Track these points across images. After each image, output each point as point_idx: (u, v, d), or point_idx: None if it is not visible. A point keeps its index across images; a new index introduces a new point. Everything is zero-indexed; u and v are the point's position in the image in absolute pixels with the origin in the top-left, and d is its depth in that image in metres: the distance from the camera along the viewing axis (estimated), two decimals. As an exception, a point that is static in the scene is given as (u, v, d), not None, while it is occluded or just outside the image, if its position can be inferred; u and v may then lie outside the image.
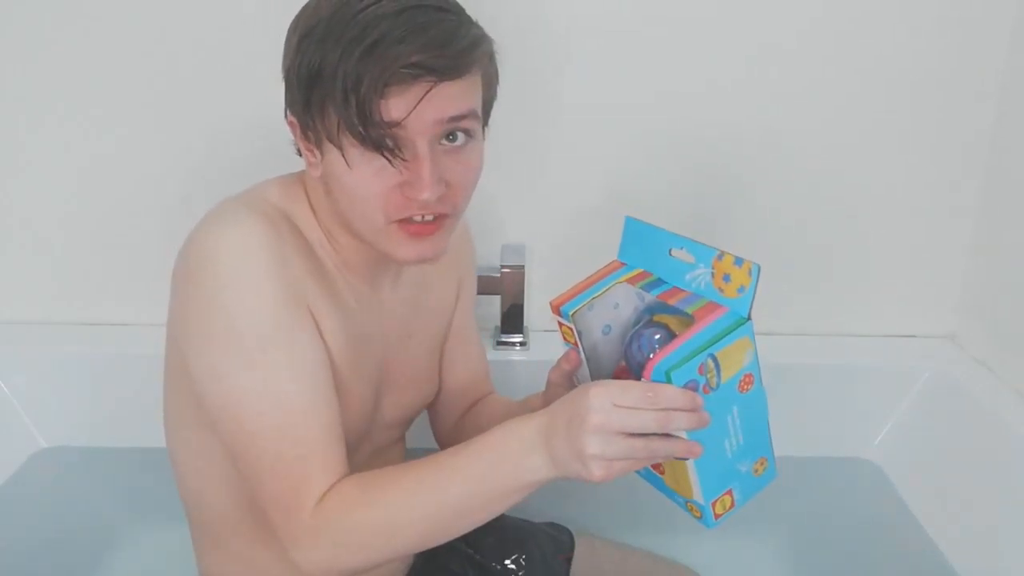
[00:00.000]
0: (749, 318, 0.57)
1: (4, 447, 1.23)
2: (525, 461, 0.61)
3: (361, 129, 0.61)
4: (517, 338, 1.25)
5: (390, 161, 0.63)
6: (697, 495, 0.60)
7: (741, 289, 0.57)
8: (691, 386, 0.56)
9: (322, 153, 0.67)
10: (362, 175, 0.65)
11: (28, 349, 1.27)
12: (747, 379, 0.59)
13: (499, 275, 1.19)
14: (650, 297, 0.65)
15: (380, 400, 0.82)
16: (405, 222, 0.67)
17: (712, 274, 0.60)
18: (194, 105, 1.17)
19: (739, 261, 0.58)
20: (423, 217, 0.67)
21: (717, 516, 0.62)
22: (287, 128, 0.71)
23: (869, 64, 1.17)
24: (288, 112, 0.70)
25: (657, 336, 0.63)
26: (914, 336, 1.32)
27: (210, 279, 0.65)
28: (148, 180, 1.22)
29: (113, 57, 1.16)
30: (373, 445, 0.84)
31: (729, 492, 0.61)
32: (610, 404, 0.56)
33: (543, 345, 1.25)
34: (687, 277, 0.63)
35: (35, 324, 1.30)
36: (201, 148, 1.19)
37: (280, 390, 0.65)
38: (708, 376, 0.56)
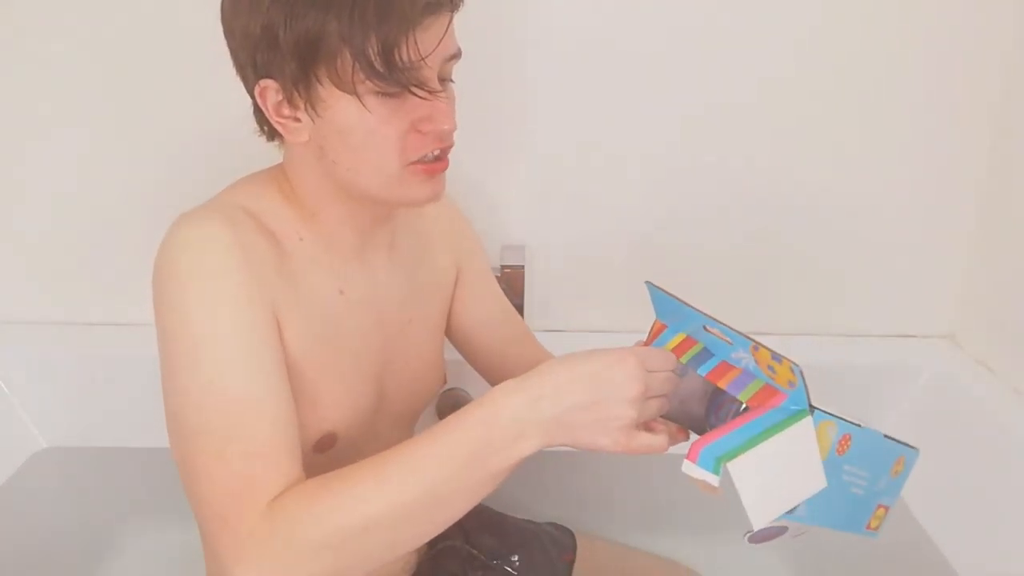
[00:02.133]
0: (813, 409, 0.54)
1: (4, 447, 1.23)
2: (515, 441, 0.58)
3: (388, 70, 0.61)
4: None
5: (421, 96, 0.64)
6: (850, 530, 0.61)
7: (791, 383, 0.54)
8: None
9: (317, 113, 0.65)
10: (379, 119, 0.65)
11: (28, 349, 1.27)
12: (843, 441, 0.57)
13: (499, 275, 1.19)
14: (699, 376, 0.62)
15: (385, 391, 0.81)
16: (418, 161, 0.68)
17: (755, 360, 0.57)
18: (194, 104, 1.17)
19: (777, 357, 0.55)
20: (434, 153, 0.69)
21: (873, 528, 0.62)
22: (257, 99, 0.67)
23: (869, 64, 1.17)
24: (260, 79, 0.66)
25: (733, 408, 0.61)
26: (913, 336, 1.32)
27: (169, 287, 0.64)
28: (148, 179, 1.22)
29: (111, 56, 1.15)
30: (380, 443, 0.83)
31: (880, 506, 0.62)
32: (644, 371, 0.58)
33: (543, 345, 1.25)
34: (732, 356, 0.60)
35: (35, 324, 1.30)
36: (201, 146, 1.19)
37: (225, 387, 0.61)
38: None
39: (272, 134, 0.72)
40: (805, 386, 0.54)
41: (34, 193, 1.23)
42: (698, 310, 0.60)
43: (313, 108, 0.65)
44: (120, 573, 1.09)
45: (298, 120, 0.67)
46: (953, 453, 1.16)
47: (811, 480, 0.55)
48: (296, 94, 0.65)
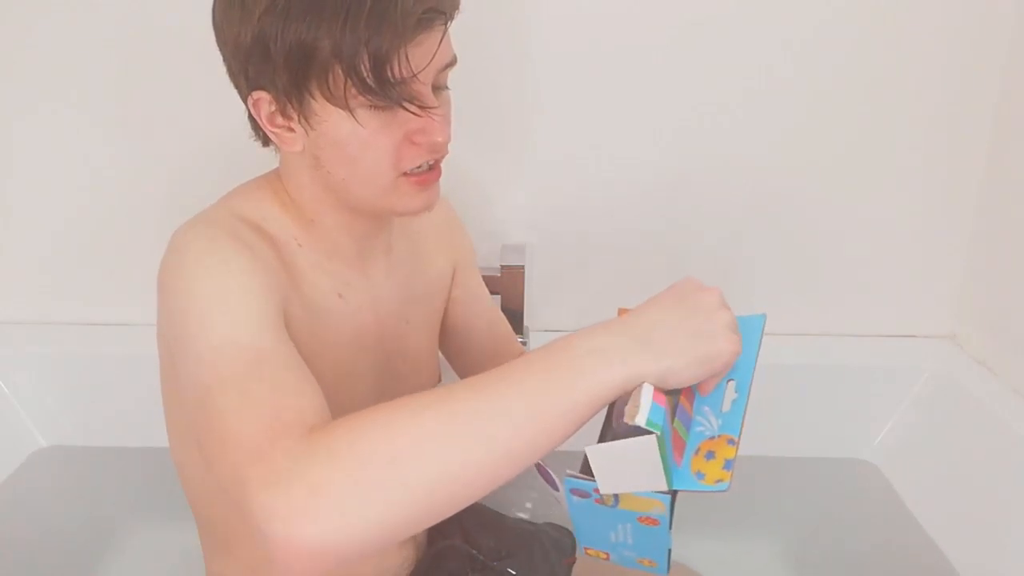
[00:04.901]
0: (672, 495, 0.53)
1: (4, 447, 1.23)
2: (595, 367, 0.51)
3: (378, 86, 0.61)
4: (518, 338, 1.25)
5: (413, 113, 0.64)
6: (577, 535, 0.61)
7: (699, 475, 0.53)
8: (581, 491, 0.55)
9: (310, 125, 0.65)
10: (372, 132, 0.64)
11: (28, 349, 1.28)
12: (650, 521, 0.56)
13: (499, 275, 1.19)
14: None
15: (383, 391, 0.81)
16: (411, 173, 0.68)
17: (713, 437, 0.55)
18: (194, 106, 1.17)
19: (728, 464, 0.53)
20: (427, 164, 0.68)
21: (588, 552, 0.62)
22: (251, 109, 0.67)
23: (868, 65, 1.17)
24: (253, 90, 0.65)
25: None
26: (914, 336, 1.32)
27: (177, 276, 0.64)
28: (148, 180, 1.22)
29: (113, 56, 1.16)
30: None
31: (606, 554, 0.61)
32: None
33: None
34: (704, 409, 0.57)
35: (35, 324, 1.30)
36: (201, 148, 1.19)
37: (240, 342, 0.58)
38: (604, 497, 0.55)
39: (267, 140, 0.72)
40: (697, 488, 0.53)
41: (35, 194, 1.24)
42: (755, 362, 0.57)
43: (306, 120, 0.65)
44: (120, 573, 1.09)
45: (292, 130, 0.67)
46: (953, 453, 1.16)
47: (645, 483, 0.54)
48: (289, 106, 0.65)
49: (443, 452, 0.49)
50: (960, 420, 1.18)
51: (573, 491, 0.55)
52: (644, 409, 0.50)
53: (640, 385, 0.52)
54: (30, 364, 1.27)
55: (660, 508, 0.55)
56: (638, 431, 0.50)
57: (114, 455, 1.26)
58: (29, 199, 1.24)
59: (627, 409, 0.52)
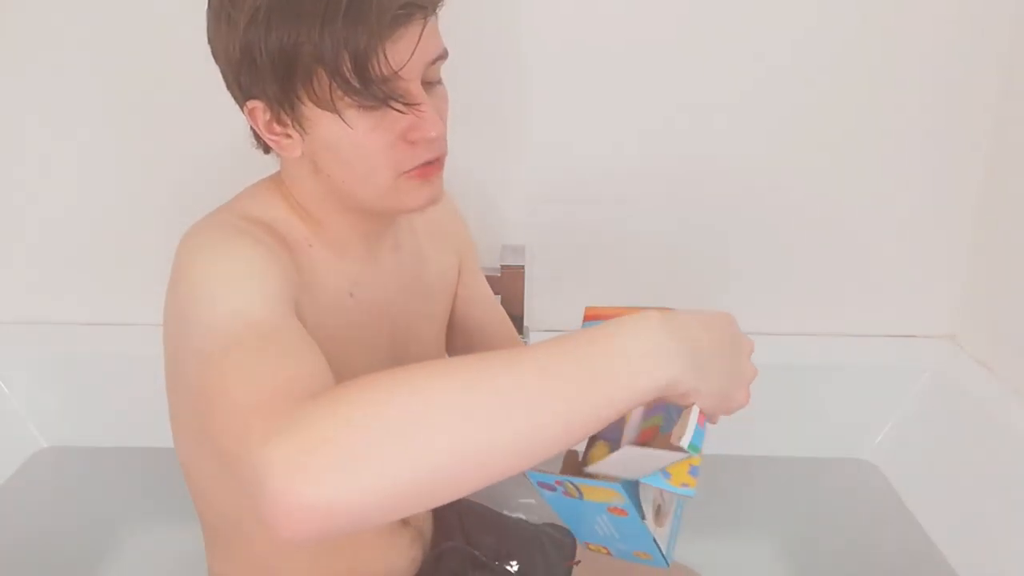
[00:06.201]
0: (627, 484, 0.54)
1: (4, 447, 1.23)
2: (644, 362, 0.48)
3: (362, 86, 0.61)
4: (518, 338, 1.25)
5: (398, 110, 0.63)
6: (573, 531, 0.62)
7: (665, 474, 0.53)
8: (546, 484, 0.56)
9: (305, 130, 0.65)
10: (363, 133, 0.64)
11: (28, 349, 1.28)
12: (619, 511, 0.56)
13: (499, 275, 1.19)
14: None
15: None
16: (410, 169, 0.67)
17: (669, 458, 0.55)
18: (195, 106, 1.17)
19: (694, 471, 0.52)
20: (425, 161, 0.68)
21: (589, 547, 0.63)
22: (248, 119, 0.68)
23: (869, 65, 1.17)
24: (247, 99, 0.66)
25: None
26: (914, 336, 1.32)
27: (192, 264, 0.64)
28: (149, 180, 1.22)
29: (114, 56, 1.16)
30: None
31: (605, 549, 0.62)
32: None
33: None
34: (673, 414, 0.57)
35: (35, 324, 1.30)
36: (201, 149, 1.19)
37: (251, 313, 0.57)
38: (568, 489, 0.56)
39: (268, 147, 0.72)
40: (664, 486, 0.53)
41: (36, 195, 1.24)
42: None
43: (300, 126, 0.65)
44: (120, 573, 1.09)
45: (289, 136, 0.67)
46: (953, 453, 1.16)
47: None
48: (282, 112, 0.65)
49: (464, 427, 0.45)
50: (960, 420, 1.18)
51: (540, 484, 0.56)
52: (690, 432, 0.51)
53: (691, 407, 0.52)
54: (30, 364, 1.27)
55: (619, 498, 0.55)
56: (671, 445, 0.51)
57: (114, 455, 1.26)
58: (30, 199, 1.24)
59: (674, 431, 0.52)
